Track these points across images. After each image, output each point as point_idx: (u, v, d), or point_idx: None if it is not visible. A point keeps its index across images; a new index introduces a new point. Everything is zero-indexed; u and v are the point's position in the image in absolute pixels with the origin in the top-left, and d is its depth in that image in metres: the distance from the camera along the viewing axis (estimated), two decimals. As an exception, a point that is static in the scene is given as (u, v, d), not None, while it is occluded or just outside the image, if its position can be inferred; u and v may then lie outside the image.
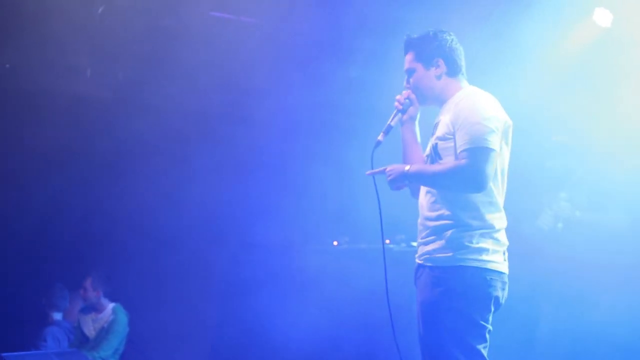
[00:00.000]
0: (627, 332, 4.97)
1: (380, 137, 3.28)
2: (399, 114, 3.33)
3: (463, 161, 2.99)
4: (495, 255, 3.06)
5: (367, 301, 5.86)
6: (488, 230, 3.06)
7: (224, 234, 6.88)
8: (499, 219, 3.11)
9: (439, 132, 3.16)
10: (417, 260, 3.21)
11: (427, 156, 3.28)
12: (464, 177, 2.98)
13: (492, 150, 2.98)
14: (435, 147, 3.16)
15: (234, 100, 6.76)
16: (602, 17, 5.42)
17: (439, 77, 3.25)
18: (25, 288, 6.51)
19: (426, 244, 3.14)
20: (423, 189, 3.22)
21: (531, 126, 4.86)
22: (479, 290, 3.01)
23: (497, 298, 3.07)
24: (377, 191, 3.28)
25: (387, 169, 3.19)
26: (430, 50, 3.25)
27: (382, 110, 6.01)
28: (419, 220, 3.23)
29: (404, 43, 3.31)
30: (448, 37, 3.27)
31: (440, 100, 3.28)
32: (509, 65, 5.30)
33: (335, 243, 6.55)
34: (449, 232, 3.05)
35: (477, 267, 3.01)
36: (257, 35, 5.83)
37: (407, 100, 3.31)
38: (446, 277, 3.02)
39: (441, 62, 3.25)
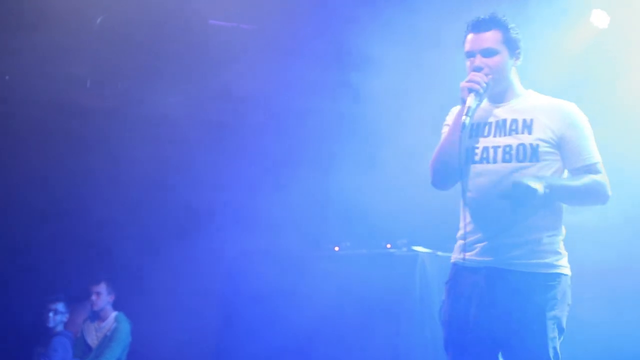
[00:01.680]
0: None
1: (465, 121, 2.89)
2: (477, 97, 2.94)
3: (601, 175, 2.92)
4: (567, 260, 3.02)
5: (369, 307, 5.86)
6: (562, 234, 3.01)
7: (226, 241, 6.87)
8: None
9: (539, 134, 2.91)
10: (480, 260, 2.95)
11: (494, 153, 2.96)
12: (605, 191, 2.93)
13: None
14: (535, 149, 2.89)
15: (235, 108, 6.78)
16: (599, 19, 5.46)
17: (515, 70, 3.06)
18: (23, 299, 6.47)
19: (509, 246, 2.90)
20: (488, 183, 2.92)
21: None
22: (567, 298, 2.95)
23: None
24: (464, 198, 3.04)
25: (526, 182, 2.77)
26: (516, 38, 3.02)
27: (379, 116, 6.08)
28: (484, 218, 2.95)
29: (487, 19, 2.99)
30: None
31: (501, 95, 3.04)
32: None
33: (336, 248, 6.55)
34: (543, 237, 2.92)
35: (566, 275, 2.96)
36: (257, 42, 5.84)
37: (486, 83, 2.95)
38: (548, 285, 2.89)
39: (520, 55, 3.05)
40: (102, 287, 6.06)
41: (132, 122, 6.63)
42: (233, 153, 6.86)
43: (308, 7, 5.52)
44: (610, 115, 5.12)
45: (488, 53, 2.97)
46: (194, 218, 6.77)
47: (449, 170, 3.01)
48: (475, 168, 2.99)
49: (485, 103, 3.05)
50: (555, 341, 2.87)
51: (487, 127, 3.01)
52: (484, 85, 2.93)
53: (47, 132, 6.49)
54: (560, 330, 2.90)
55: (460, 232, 3.05)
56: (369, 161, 6.05)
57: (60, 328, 6.08)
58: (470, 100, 2.91)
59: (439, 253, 5.65)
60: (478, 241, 2.97)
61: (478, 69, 2.97)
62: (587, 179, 2.89)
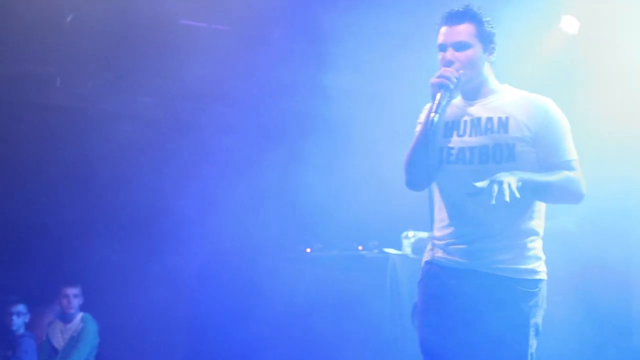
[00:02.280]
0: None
1: (434, 118, 2.77)
2: (448, 93, 2.82)
3: (577, 172, 2.83)
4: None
5: (341, 308, 5.87)
6: (540, 238, 2.93)
7: (195, 242, 6.84)
8: None
9: (515, 132, 2.81)
10: (460, 261, 2.86)
11: (470, 153, 2.87)
12: (581, 187, 2.84)
13: None
14: (511, 148, 2.80)
15: (207, 108, 6.75)
16: (569, 25, 5.52)
17: (489, 66, 2.93)
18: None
19: (492, 250, 2.81)
20: (464, 184, 2.80)
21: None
22: (544, 303, 2.88)
23: None
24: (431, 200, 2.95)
25: (500, 181, 2.67)
26: (490, 31, 2.90)
27: (355, 116, 6.10)
28: (462, 219, 2.86)
29: (460, 12, 2.89)
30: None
31: (476, 92, 2.93)
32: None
33: (308, 250, 6.55)
34: (527, 242, 2.84)
35: (545, 280, 2.87)
36: (228, 42, 5.82)
37: (457, 78, 2.83)
38: (530, 292, 2.81)
39: (495, 49, 2.93)
40: (78, 290, 6.01)
41: (102, 121, 6.57)
42: (202, 151, 6.82)
43: (279, 9, 5.51)
44: (580, 119, 5.18)
45: (460, 46, 2.86)
46: (162, 218, 6.73)
47: (421, 170, 2.91)
48: (451, 169, 2.90)
49: (459, 100, 2.97)
50: (534, 347, 2.83)
51: (462, 126, 2.92)
52: (454, 80, 2.82)
53: (17, 131, 6.40)
54: (537, 336, 2.86)
55: (437, 233, 2.96)
56: (340, 163, 6.08)
57: (22, 330, 6.00)
58: (440, 97, 2.79)
59: (410, 255, 5.68)
60: (457, 243, 2.88)
61: (449, 64, 2.86)
62: (561, 175, 2.81)
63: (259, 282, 6.43)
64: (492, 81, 2.96)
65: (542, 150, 2.83)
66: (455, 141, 2.91)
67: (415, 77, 4.13)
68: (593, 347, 5.34)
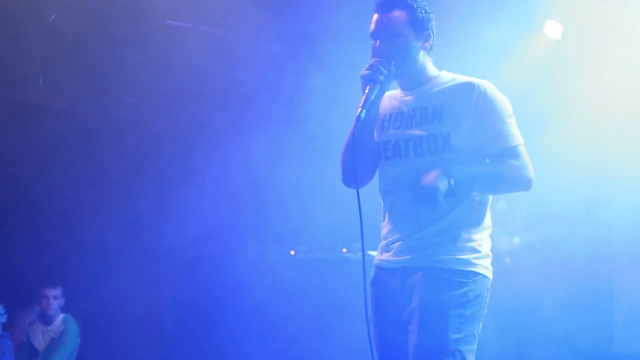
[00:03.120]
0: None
1: (361, 113, 2.64)
2: (377, 86, 2.68)
3: (521, 159, 2.65)
4: (490, 261, 2.79)
5: (325, 310, 5.87)
6: (489, 231, 2.78)
7: (177, 245, 6.80)
8: (490, 220, 2.82)
9: (450, 121, 2.67)
10: (395, 260, 2.75)
11: (405, 146, 2.74)
12: (523, 175, 2.66)
13: None
14: (446, 138, 2.66)
15: (191, 108, 6.73)
16: (553, 30, 5.55)
17: (423, 53, 2.77)
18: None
19: (427, 243, 2.68)
20: (400, 179, 2.72)
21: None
22: (482, 301, 2.70)
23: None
24: (358, 198, 2.68)
25: (426, 182, 2.56)
26: (424, 18, 2.74)
27: (336, 116, 6.09)
28: (399, 216, 2.76)
29: None
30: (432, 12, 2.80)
31: (411, 81, 2.79)
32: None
33: (292, 252, 6.55)
34: (460, 234, 2.68)
35: (483, 275, 2.71)
36: (213, 43, 5.81)
37: (388, 70, 2.68)
38: (460, 281, 2.64)
39: (431, 35, 2.77)
40: (59, 291, 5.96)
41: (86, 121, 6.53)
42: (186, 152, 6.80)
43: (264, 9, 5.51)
44: (562, 127, 5.24)
45: (391, 36, 2.70)
46: (145, 218, 6.69)
47: (355, 167, 2.71)
48: (388, 164, 2.78)
49: (397, 92, 2.84)
50: (461, 344, 2.61)
51: (398, 118, 2.78)
52: (384, 71, 2.67)
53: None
54: (470, 336, 2.65)
55: (382, 233, 2.85)
56: (324, 163, 6.07)
57: (0, 331, 5.95)
58: (368, 90, 2.65)
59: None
60: (395, 241, 2.77)
61: (379, 54, 2.70)
62: (500, 164, 2.65)
63: (242, 285, 6.41)
64: (429, 69, 2.80)
65: (482, 138, 2.67)
66: (392, 134, 2.78)
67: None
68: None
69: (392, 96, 2.85)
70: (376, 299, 2.84)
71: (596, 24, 5.33)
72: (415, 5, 2.74)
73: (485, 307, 2.73)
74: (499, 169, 2.66)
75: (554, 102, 5.48)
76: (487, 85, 2.72)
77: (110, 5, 5.41)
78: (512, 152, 2.67)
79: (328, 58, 5.64)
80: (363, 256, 2.68)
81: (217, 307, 6.63)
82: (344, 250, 6.13)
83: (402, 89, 2.84)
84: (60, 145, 6.51)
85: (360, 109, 2.65)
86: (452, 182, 2.57)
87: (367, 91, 2.67)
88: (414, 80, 2.78)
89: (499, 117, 2.68)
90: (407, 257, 2.72)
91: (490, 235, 2.81)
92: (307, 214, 6.28)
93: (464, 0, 5.30)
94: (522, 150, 2.69)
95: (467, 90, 2.70)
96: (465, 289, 2.65)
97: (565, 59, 5.61)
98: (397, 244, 2.76)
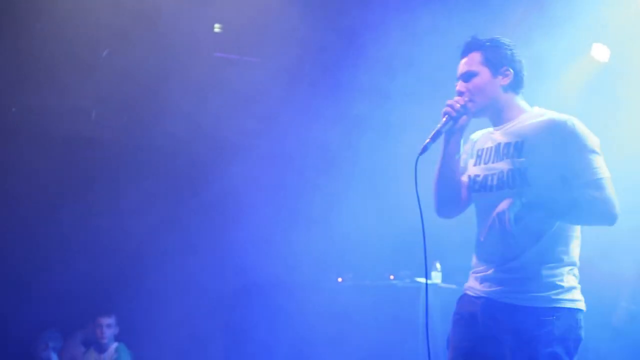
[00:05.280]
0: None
1: (428, 144, 2.89)
2: (450, 121, 2.93)
3: (604, 192, 2.70)
4: (580, 294, 2.84)
5: (372, 337, 5.83)
6: (573, 266, 2.84)
7: (228, 274, 6.86)
8: (579, 254, 2.89)
9: (528, 156, 2.78)
10: (478, 289, 2.89)
11: (490, 180, 2.90)
12: (608, 207, 2.70)
13: None
14: (523, 172, 2.78)
15: (236, 139, 6.82)
16: (600, 53, 5.52)
17: (505, 89, 2.93)
18: (19, 330, 6.39)
19: (508, 277, 2.80)
20: (486, 212, 2.86)
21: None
22: (573, 333, 2.76)
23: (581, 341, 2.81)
24: (422, 220, 2.90)
25: (499, 209, 2.73)
26: (501, 55, 2.94)
27: (384, 145, 6.11)
28: (482, 248, 2.91)
29: (467, 43, 2.99)
30: (517, 49, 2.98)
31: (499, 117, 2.97)
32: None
33: (339, 279, 6.54)
34: (541, 270, 2.76)
35: (570, 308, 2.77)
36: (259, 74, 5.90)
37: (462, 107, 2.92)
38: (543, 320, 2.72)
39: (510, 72, 2.93)
40: (112, 320, 6.04)
41: (136, 153, 6.66)
42: (232, 182, 6.85)
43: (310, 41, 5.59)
44: (611, 150, 5.15)
45: (466, 77, 2.95)
46: (195, 246, 6.76)
47: (442, 199, 3.04)
48: (477, 196, 2.98)
49: (492, 128, 3.01)
50: None
51: (487, 153, 2.96)
52: (458, 108, 2.91)
53: (52, 162, 6.50)
54: None
55: (472, 262, 3.02)
56: (372, 191, 6.08)
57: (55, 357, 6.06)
58: (440, 125, 2.93)
59: (442, 284, 5.65)
60: (480, 271, 2.92)
61: (459, 94, 2.95)
62: (579, 194, 2.71)
63: (290, 312, 6.42)
64: (517, 105, 2.96)
65: (567, 172, 2.76)
66: (482, 169, 2.95)
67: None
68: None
69: (488, 132, 3.04)
70: (457, 324, 2.97)
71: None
72: (489, 45, 2.95)
73: (581, 339, 2.78)
74: (576, 199, 2.73)
75: (601, 126, 5.40)
76: (571, 120, 2.81)
77: (161, 39, 5.54)
78: (594, 185, 2.73)
79: (381, 86, 5.69)
80: (426, 285, 2.92)
81: (265, 335, 6.65)
82: (391, 277, 6.11)
83: (492, 125, 3.02)
84: (112, 177, 6.65)
85: (428, 140, 2.90)
86: (523, 201, 2.69)
87: (439, 125, 2.93)
88: (501, 116, 2.96)
89: (583, 152, 2.76)
90: (489, 289, 2.86)
91: None
92: (354, 240, 6.28)
93: (520, 24, 5.30)
94: (606, 183, 2.74)
95: (549, 126, 2.81)
96: (550, 327, 2.72)
97: (614, 83, 5.55)
98: (481, 274, 2.91)
